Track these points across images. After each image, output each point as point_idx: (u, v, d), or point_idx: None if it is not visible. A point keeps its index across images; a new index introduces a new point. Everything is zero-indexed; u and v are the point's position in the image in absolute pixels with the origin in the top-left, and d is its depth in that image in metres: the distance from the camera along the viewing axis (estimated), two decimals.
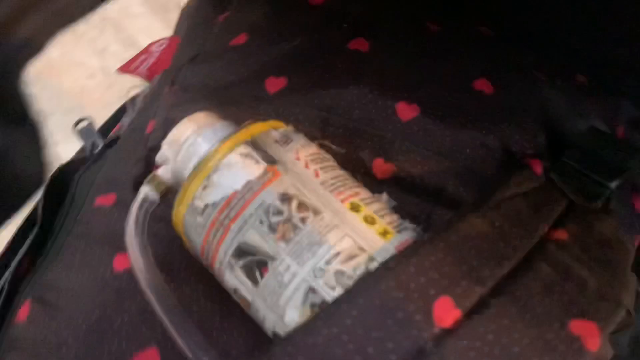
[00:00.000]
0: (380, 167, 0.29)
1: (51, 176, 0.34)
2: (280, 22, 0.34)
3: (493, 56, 0.34)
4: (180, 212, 0.26)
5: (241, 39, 0.34)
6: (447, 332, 0.21)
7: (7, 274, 0.32)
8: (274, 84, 0.32)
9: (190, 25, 0.41)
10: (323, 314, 0.22)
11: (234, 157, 0.25)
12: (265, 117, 0.28)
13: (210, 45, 0.35)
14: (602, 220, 0.27)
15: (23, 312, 0.30)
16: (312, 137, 0.28)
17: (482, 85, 0.32)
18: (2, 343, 0.29)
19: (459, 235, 0.23)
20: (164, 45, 0.43)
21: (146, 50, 0.45)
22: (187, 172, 0.26)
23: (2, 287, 0.32)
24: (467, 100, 0.31)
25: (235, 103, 0.31)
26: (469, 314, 0.22)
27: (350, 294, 0.22)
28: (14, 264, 0.32)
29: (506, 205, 0.25)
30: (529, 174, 0.28)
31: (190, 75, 0.34)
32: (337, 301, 0.22)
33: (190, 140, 0.26)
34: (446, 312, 0.21)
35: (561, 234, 0.25)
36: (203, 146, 0.26)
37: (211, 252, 0.25)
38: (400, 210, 0.26)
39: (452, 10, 0.36)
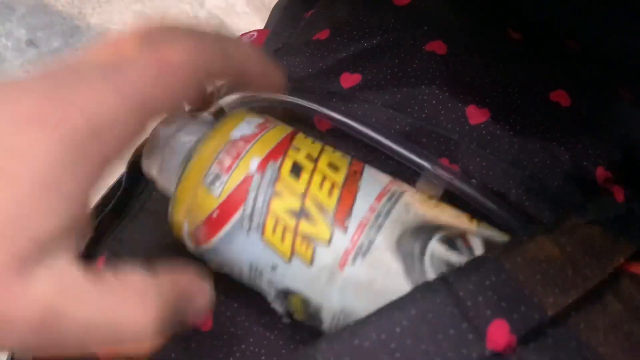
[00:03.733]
0: None
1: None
2: (363, 21, 0.33)
3: (575, 70, 0.31)
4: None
5: (324, 34, 0.33)
6: (498, 357, 0.20)
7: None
8: (348, 80, 0.31)
9: (280, 19, 0.41)
10: (374, 318, 0.21)
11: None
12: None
13: (294, 39, 0.35)
14: None
15: (98, 266, 0.31)
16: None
17: (560, 96, 0.29)
18: None
19: (526, 257, 0.21)
20: (254, 37, 0.43)
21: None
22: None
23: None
24: (541, 110, 0.29)
25: (310, 95, 0.30)
26: (524, 341, 0.20)
27: (404, 302, 0.21)
28: (96, 221, 0.33)
29: (581, 231, 0.23)
30: (610, 200, 0.26)
31: None
32: (390, 307, 0.21)
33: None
34: (500, 335, 0.19)
35: (638, 269, 0.23)
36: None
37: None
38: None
39: (537, 21, 0.35)
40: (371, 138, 0.28)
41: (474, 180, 0.27)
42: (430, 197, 0.25)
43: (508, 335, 0.20)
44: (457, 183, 0.26)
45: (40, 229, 0.17)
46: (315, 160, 0.25)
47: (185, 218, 0.25)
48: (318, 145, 0.26)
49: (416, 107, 0.29)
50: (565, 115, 0.29)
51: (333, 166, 0.25)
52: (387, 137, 0.28)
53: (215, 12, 1.16)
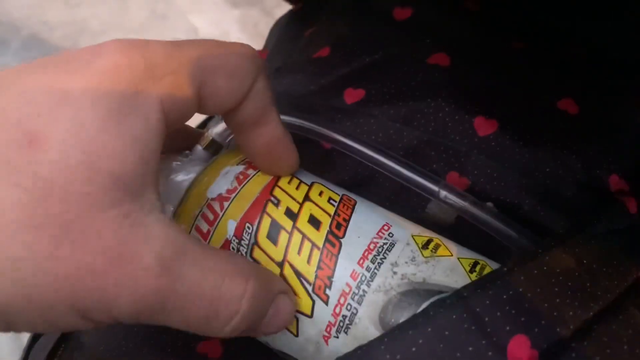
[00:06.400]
0: (455, 180, 0.27)
1: None
2: (364, 37, 0.33)
3: (581, 77, 0.31)
4: None
5: (324, 51, 0.33)
6: None
7: None
8: (352, 95, 0.30)
9: (279, 38, 0.41)
10: (387, 338, 0.20)
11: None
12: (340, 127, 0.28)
13: (295, 57, 0.35)
14: None
15: None
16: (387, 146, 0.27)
17: (567, 105, 0.29)
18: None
19: (543, 269, 0.20)
20: None
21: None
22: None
23: None
24: (549, 119, 0.29)
25: (314, 112, 0.30)
26: (546, 357, 0.19)
27: (418, 320, 0.20)
28: None
29: (597, 242, 0.22)
30: (623, 212, 0.25)
31: (274, 84, 0.32)
32: (404, 326, 0.20)
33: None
34: (521, 351, 0.19)
35: None
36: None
37: None
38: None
39: (541, 30, 0.34)
40: (376, 161, 0.27)
41: (489, 203, 0.26)
42: (427, 242, 0.23)
43: (529, 351, 0.19)
44: (469, 208, 0.25)
45: (119, 164, 0.17)
46: (296, 216, 0.23)
47: None
48: (304, 190, 0.24)
49: (423, 121, 0.28)
50: (574, 123, 0.28)
51: (314, 222, 0.23)
52: (393, 160, 0.27)
53: None
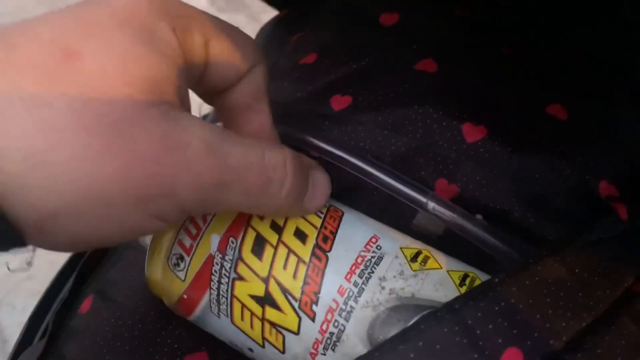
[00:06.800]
0: (444, 187, 0.27)
1: None
2: (350, 43, 0.32)
3: (570, 82, 0.31)
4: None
5: (311, 58, 0.33)
6: None
7: (76, 270, 0.32)
8: (339, 102, 0.30)
9: (265, 44, 0.40)
10: (377, 353, 0.19)
11: None
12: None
13: (281, 64, 0.35)
14: None
15: (85, 304, 0.30)
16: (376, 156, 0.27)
17: (556, 110, 0.29)
18: (63, 332, 0.29)
19: (534, 280, 0.20)
20: None
21: None
22: None
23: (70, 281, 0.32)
24: (538, 125, 0.28)
25: (301, 119, 0.30)
26: None
27: (409, 334, 0.19)
28: (82, 260, 0.33)
29: (588, 251, 0.22)
30: (614, 219, 0.25)
31: None
32: (394, 340, 0.19)
33: None
34: None
35: None
36: None
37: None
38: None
39: (528, 35, 0.34)
40: (364, 172, 0.27)
41: (479, 216, 0.26)
42: (416, 254, 0.23)
43: None
44: (458, 220, 0.25)
45: (152, 71, 0.18)
46: (281, 229, 0.23)
47: (161, 296, 0.24)
48: None
49: (410, 128, 0.28)
50: (563, 129, 0.28)
51: (300, 235, 0.22)
52: (381, 171, 0.27)
53: None
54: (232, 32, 0.22)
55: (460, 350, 0.19)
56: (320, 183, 0.24)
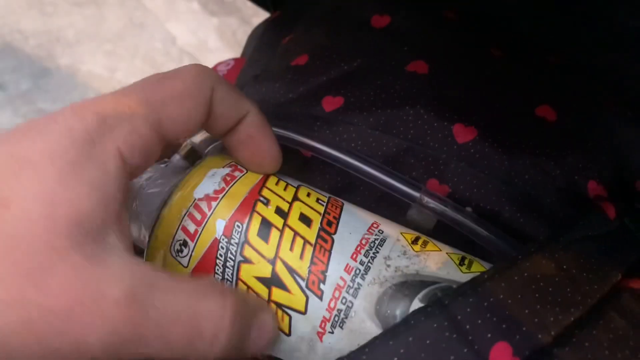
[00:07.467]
0: (435, 188, 0.27)
1: None
2: (342, 44, 0.33)
3: (558, 84, 0.31)
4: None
5: (302, 59, 0.33)
6: None
7: None
8: (331, 103, 0.30)
9: (256, 46, 0.41)
10: (368, 349, 0.19)
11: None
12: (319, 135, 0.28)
13: (273, 65, 0.35)
14: None
15: None
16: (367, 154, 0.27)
17: (545, 112, 0.29)
18: None
19: (523, 275, 0.20)
20: (230, 65, 0.43)
21: (214, 70, 0.45)
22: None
23: None
24: (527, 126, 0.29)
25: (293, 120, 0.30)
26: None
27: (399, 330, 0.20)
28: None
29: (576, 247, 0.22)
30: (602, 217, 0.26)
31: (252, 92, 0.33)
32: (385, 336, 0.20)
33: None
34: (503, 359, 0.19)
35: (636, 284, 0.22)
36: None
37: None
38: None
39: (518, 38, 0.35)
40: (357, 169, 0.27)
41: (468, 208, 0.26)
42: (416, 238, 0.24)
43: (511, 358, 0.19)
44: (450, 213, 0.26)
45: (77, 211, 0.18)
46: (286, 214, 0.23)
47: None
48: (291, 191, 0.24)
49: (402, 128, 0.28)
50: (552, 130, 0.29)
51: (305, 219, 0.23)
52: (373, 167, 0.27)
53: (187, 49, 1.16)
54: (172, 89, 0.22)
55: (450, 345, 0.19)
56: (266, 328, 0.21)
